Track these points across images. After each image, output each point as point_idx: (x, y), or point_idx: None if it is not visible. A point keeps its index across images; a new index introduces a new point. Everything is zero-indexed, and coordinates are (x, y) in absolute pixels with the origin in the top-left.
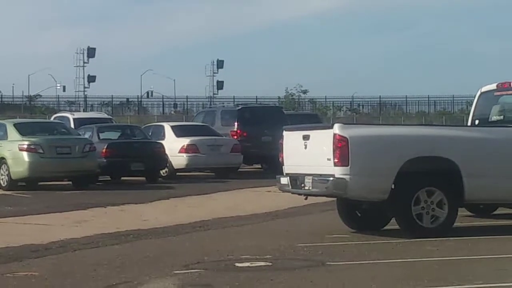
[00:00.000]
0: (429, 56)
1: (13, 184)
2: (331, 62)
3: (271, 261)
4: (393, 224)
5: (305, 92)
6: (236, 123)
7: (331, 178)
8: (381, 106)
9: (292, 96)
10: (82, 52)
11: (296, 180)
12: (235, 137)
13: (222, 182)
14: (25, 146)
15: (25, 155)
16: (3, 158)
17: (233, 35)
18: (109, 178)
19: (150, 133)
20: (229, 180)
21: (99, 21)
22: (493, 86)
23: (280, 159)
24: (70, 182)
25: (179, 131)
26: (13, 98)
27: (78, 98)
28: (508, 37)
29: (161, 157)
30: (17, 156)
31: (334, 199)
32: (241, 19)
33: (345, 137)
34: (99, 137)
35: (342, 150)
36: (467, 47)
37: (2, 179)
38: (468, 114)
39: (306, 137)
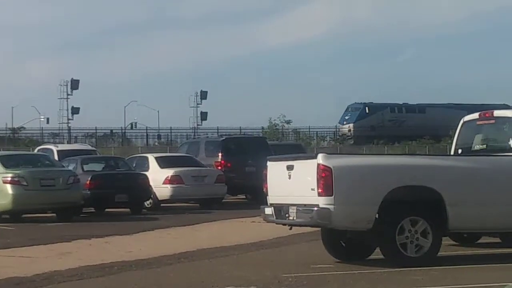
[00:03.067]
0: (413, 85)
1: None
2: (315, 92)
3: None
4: (377, 254)
5: (288, 122)
6: (220, 154)
7: (315, 208)
8: None
9: (275, 126)
10: (65, 84)
11: (281, 210)
12: (219, 167)
13: (206, 213)
14: (9, 179)
15: (8, 188)
16: None
17: (216, 66)
18: (93, 210)
19: (134, 165)
20: (213, 211)
21: (83, 53)
22: (475, 116)
23: (264, 190)
24: (54, 214)
25: (163, 162)
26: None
27: (62, 130)
28: (495, 64)
29: (145, 189)
30: (0, 189)
31: (319, 229)
32: (224, 50)
33: (329, 167)
34: (83, 169)
35: (326, 180)
36: (452, 75)
37: None
38: (451, 143)
39: (290, 167)
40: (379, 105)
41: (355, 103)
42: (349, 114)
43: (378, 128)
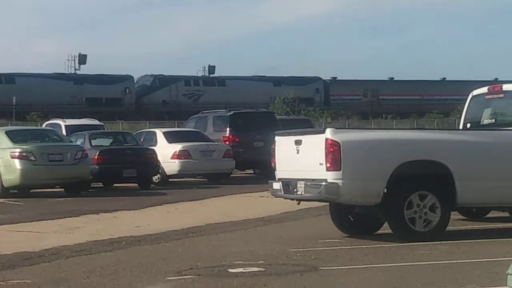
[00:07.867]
0: (424, 61)
1: (5, 191)
2: (324, 66)
3: (264, 266)
4: (386, 229)
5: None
6: (228, 129)
7: (324, 183)
8: None
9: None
10: (73, 58)
11: (289, 185)
12: (227, 142)
13: (214, 188)
14: (17, 154)
15: (17, 163)
16: None
17: (225, 40)
18: (102, 185)
19: (142, 140)
20: (221, 186)
21: (91, 27)
22: (484, 90)
23: (272, 164)
24: (63, 189)
25: (171, 137)
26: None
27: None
28: (502, 40)
29: (153, 163)
30: (9, 164)
31: (327, 204)
32: (232, 25)
33: (337, 142)
34: (91, 144)
35: (334, 155)
36: (462, 51)
37: None
38: (459, 117)
39: (298, 142)
40: None
41: None
42: None
43: None
